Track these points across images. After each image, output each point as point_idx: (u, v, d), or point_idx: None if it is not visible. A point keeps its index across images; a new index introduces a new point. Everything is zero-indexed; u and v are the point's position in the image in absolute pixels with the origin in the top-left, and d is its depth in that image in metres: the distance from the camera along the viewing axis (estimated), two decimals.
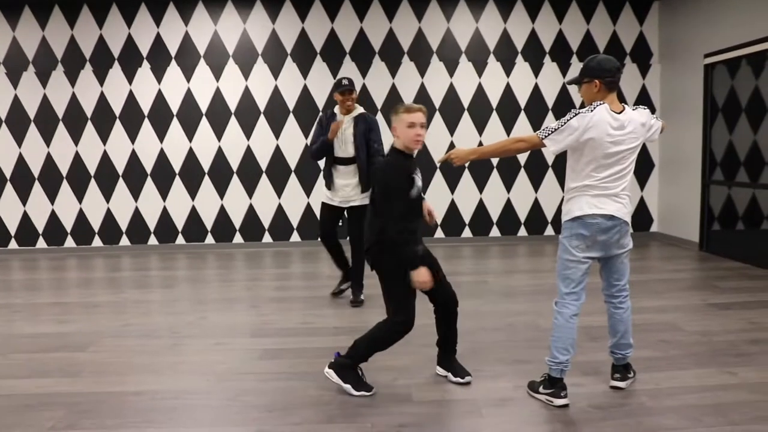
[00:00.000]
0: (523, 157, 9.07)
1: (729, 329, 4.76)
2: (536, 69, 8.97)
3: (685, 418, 3.26)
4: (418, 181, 3.60)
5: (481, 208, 9.10)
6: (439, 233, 9.10)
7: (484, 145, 4.10)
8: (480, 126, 8.96)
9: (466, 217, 9.11)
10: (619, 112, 3.32)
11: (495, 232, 9.16)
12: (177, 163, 8.88)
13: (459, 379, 3.79)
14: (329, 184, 5.71)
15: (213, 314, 5.53)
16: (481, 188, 9.06)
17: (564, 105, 8.95)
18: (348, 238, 5.80)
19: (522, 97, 8.98)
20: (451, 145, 8.89)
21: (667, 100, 8.85)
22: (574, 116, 3.27)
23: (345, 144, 5.56)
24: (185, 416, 3.44)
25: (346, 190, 5.63)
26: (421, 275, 3.43)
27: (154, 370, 4.15)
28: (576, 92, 8.89)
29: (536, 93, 8.99)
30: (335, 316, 5.41)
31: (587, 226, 3.35)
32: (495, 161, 9.03)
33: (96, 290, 6.61)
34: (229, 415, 3.43)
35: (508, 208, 9.13)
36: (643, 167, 9.09)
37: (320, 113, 5.64)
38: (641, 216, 9.19)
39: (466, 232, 9.14)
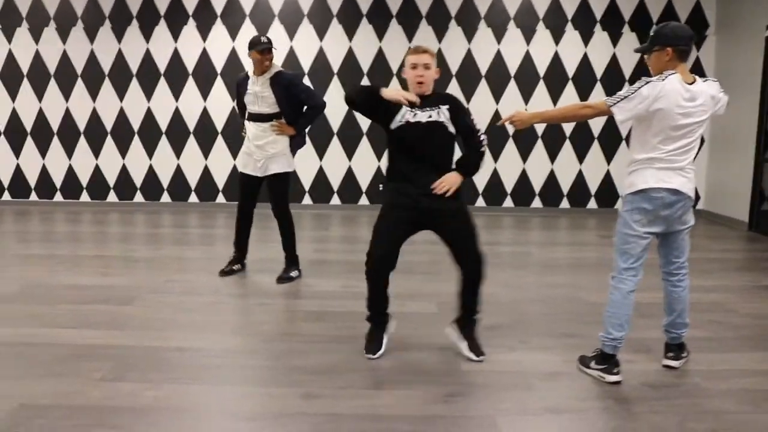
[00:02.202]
0: (568, 128, 8.85)
1: None
2: (586, 38, 8.70)
3: (744, 402, 3.15)
4: (410, 115, 3.53)
5: (523, 178, 8.94)
6: (480, 202, 8.97)
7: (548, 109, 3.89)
8: (526, 95, 8.76)
9: (508, 186, 8.95)
10: (691, 83, 3.18)
11: (537, 203, 9.01)
12: (219, 122, 8.85)
13: (472, 356, 3.63)
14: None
15: (253, 274, 5.52)
16: (524, 158, 8.89)
17: (613, 76, 8.67)
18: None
19: (570, 67, 8.74)
20: (497, 113, 8.68)
21: (722, 74, 8.52)
22: (645, 84, 3.12)
23: (259, 104, 5.09)
24: (232, 374, 3.44)
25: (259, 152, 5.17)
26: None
27: (197, 327, 4.15)
28: (626, 63, 8.63)
29: (585, 63, 8.72)
30: None
31: (651, 200, 3.22)
32: (540, 131, 8.83)
33: (137, 245, 6.65)
34: (275, 376, 3.41)
35: (551, 179, 8.95)
36: None
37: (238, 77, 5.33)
38: None
39: (508, 202, 8.99)
